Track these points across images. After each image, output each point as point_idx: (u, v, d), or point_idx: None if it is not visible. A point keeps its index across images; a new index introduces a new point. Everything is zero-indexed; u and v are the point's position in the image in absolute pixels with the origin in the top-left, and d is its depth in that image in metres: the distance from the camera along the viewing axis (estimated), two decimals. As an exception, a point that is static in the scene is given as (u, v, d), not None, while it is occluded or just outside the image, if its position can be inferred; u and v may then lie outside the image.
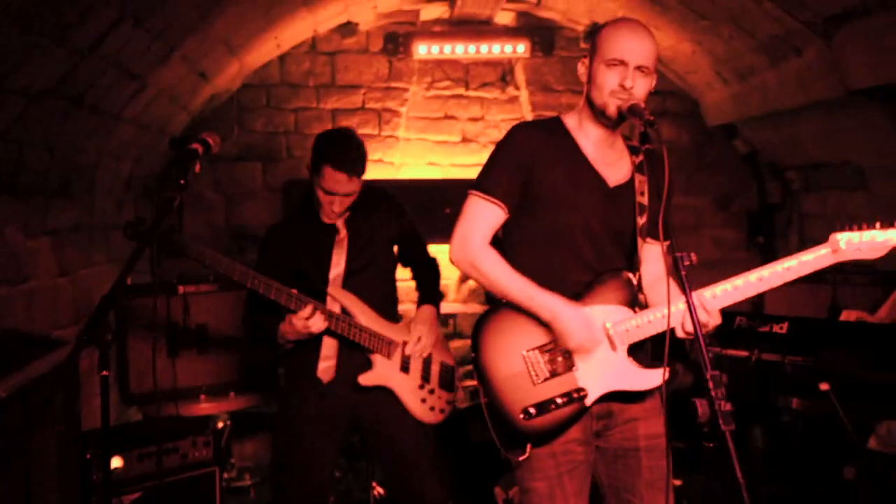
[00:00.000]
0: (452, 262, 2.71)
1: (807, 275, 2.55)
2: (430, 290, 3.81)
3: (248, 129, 6.18)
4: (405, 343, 3.56)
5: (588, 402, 2.59)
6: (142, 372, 4.37)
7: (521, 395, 2.57)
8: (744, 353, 3.66)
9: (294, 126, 6.23)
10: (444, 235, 6.23)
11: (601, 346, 2.60)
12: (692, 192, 6.43)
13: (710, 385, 2.08)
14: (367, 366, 3.48)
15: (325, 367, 3.46)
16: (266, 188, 6.19)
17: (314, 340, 3.42)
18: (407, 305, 4.77)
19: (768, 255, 6.39)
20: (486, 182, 2.68)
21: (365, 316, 3.47)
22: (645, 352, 2.66)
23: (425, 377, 3.59)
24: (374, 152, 6.28)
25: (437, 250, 6.21)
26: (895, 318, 3.86)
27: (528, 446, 2.59)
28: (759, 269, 2.58)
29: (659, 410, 2.68)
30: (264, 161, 6.19)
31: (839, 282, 4.20)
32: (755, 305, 5.40)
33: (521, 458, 2.60)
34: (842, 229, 2.55)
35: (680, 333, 2.51)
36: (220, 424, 4.84)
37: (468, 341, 6.25)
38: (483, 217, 2.67)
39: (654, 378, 2.60)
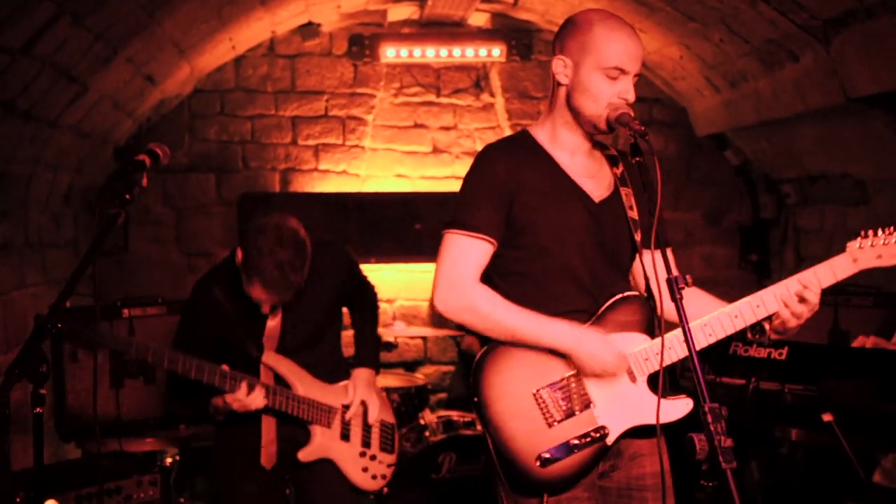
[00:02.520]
0: (440, 311, 2.56)
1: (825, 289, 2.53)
2: (366, 343, 3.73)
3: (201, 138, 6.10)
4: (344, 407, 3.52)
5: (610, 440, 2.51)
6: (81, 404, 4.24)
7: (536, 440, 2.48)
8: (740, 382, 3.63)
9: (251, 135, 6.16)
10: (413, 253, 6.29)
11: (620, 379, 2.53)
12: (681, 207, 6.44)
13: (709, 419, 2.03)
14: (306, 438, 3.43)
15: (268, 452, 3.41)
16: (220, 202, 6.11)
17: (254, 425, 3.38)
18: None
19: (762, 273, 6.41)
20: (467, 216, 2.55)
21: (303, 384, 3.41)
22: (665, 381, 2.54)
23: (365, 442, 3.58)
24: (338, 163, 6.23)
25: (407, 269, 6.21)
26: None
27: (546, 496, 2.50)
28: (774, 285, 2.55)
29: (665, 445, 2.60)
30: (218, 172, 6.12)
31: (840, 304, 4.19)
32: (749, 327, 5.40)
33: None
34: (856, 238, 2.54)
35: (788, 317, 2.50)
36: (169, 461, 4.73)
37: (440, 367, 6.25)
38: (470, 256, 2.54)
39: (676, 409, 2.52)
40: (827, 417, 3.42)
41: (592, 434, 2.49)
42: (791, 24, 4.24)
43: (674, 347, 2.48)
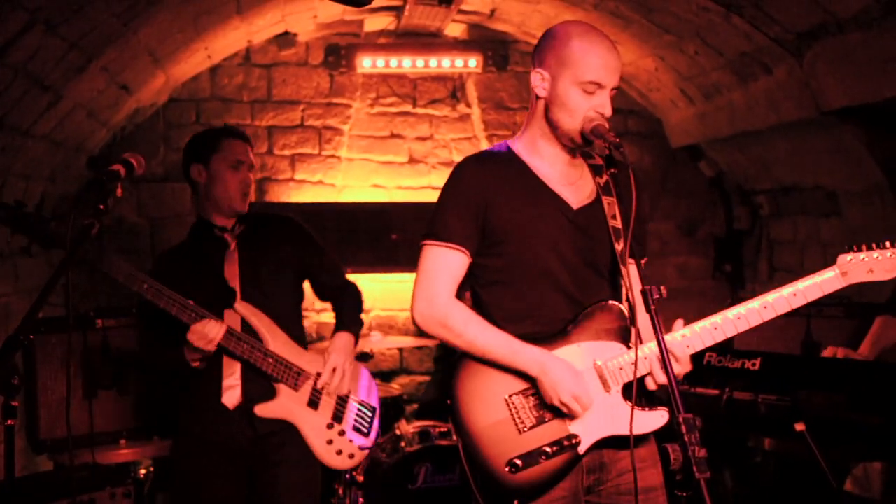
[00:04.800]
0: (417, 324, 2.62)
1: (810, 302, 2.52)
2: (346, 315, 3.70)
3: (176, 148, 6.07)
4: (318, 375, 3.45)
5: (581, 449, 2.52)
6: (53, 415, 4.21)
7: (506, 446, 2.49)
8: (714, 392, 3.66)
9: (226, 144, 6.13)
10: (390, 263, 6.29)
11: (594, 388, 2.53)
12: (656, 218, 6.48)
13: (684, 429, 2.05)
14: (271, 395, 3.38)
15: (230, 391, 3.36)
16: (195, 212, 6.06)
17: (215, 368, 3.35)
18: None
19: (736, 283, 6.46)
20: (440, 228, 2.61)
21: (275, 339, 3.40)
22: (640, 392, 2.55)
23: (336, 417, 3.48)
24: (314, 173, 6.22)
25: (383, 279, 6.20)
26: (879, 353, 3.89)
27: (516, 502, 2.50)
28: (758, 297, 2.54)
29: (655, 460, 2.60)
30: (193, 182, 6.08)
31: (813, 315, 4.23)
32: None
33: None
34: (849, 250, 2.53)
35: (651, 385, 2.48)
36: (143, 472, 4.69)
37: (416, 377, 6.24)
38: (445, 268, 2.60)
39: (652, 421, 2.52)
40: (799, 427, 3.44)
41: (564, 442, 2.50)
42: (764, 38, 4.28)
43: (649, 358, 2.48)
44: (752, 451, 4.56)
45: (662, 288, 2.24)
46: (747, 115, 5.06)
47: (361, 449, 3.54)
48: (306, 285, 3.75)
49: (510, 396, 2.53)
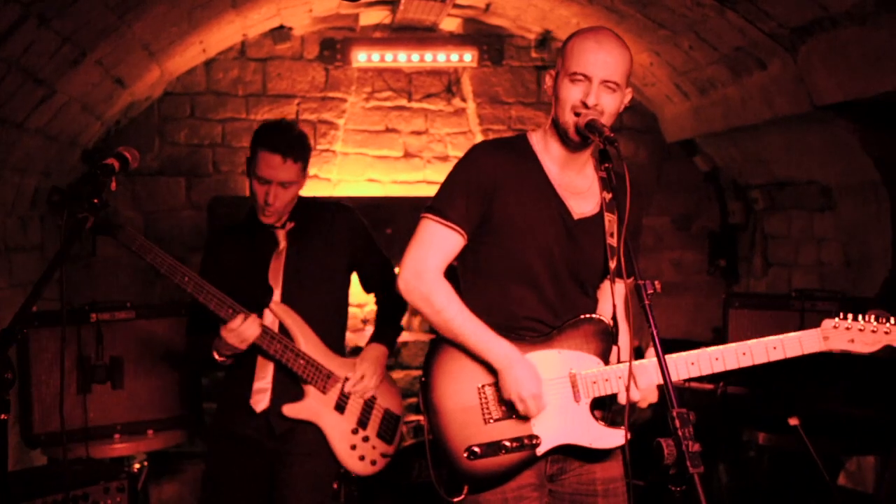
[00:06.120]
0: (401, 291, 2.64)
1: (792, 357, 2.57)
2: (386, 327, 3.74)
3: (171, 141, 6.06)
4: (346, 380, 3.48)
5: (540, 451, 2.56)
6: (47, 410, 4.20)
7: (469, 432, 2.53)
8: (709, 386, 3.67)
9: (221, 138, 6.13)
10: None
11: (564, 395, 2.57)
12: (650, 213, 6.47)
13: (677, 424, 2.05)
14: (299, 397, 3.41)
15: (260, 390, 3.39)
16: (190, 205, 6.07)
17: (248, 369, 3.38)
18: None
19: (730, 278, 6.46)
20: (444, 205, 2.62)
21: (307, 340, 3.41)
22: (608, 408, 2.64)
23: (362, 422, 3.51)
24: (309, 167, 6.20)
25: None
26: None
27: (465, 488, 2.55)
28: (740, 342, 2.58)
29: (617, 452, 2.67)
30: (188, 176, 6.08)
31: (807, 309, 4.25)
32: (717, 333, 5.44)
33: (455, 500, 2.57)
34: (835, 317, 2.56)
35: (622, 400, 2.50)
36: (137, 466, 4.69)
37: (411, 372, 6.24)
38: (440, 244, 2.61)
39: (614, 438, 2.59)
40: (793, 421, 3.46)
41: (525, 440, 2.54)
42: (759, 32, 4.28)
43: (623, 378, 2.52)
44: (746, 445, 4.58)
45: (657, 283, 2.24)
46: (741, 109, 5.06)
47: (384, 456, 3.57)
48: (354, 276, 3.75)
49: (483, 386, 2.57)
